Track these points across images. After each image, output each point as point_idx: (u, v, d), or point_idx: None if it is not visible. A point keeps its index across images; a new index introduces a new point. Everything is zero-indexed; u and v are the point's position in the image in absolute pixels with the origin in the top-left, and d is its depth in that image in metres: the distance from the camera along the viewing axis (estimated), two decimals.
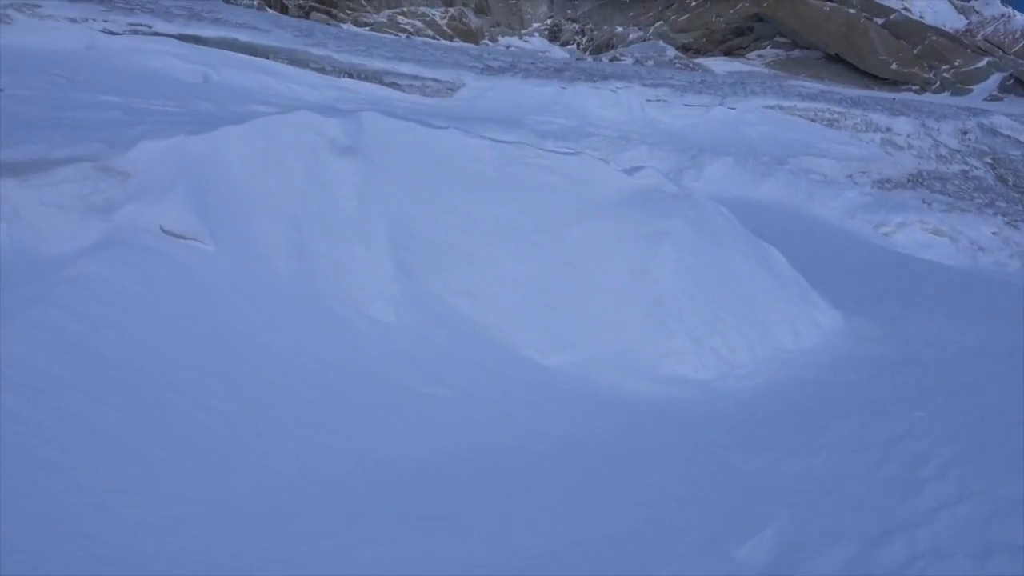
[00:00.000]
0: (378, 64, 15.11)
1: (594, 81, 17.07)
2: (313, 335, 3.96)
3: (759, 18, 46.81)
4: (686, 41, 49.14)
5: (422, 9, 48.04)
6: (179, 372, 3.32)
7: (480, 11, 53.08)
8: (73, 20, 12.48)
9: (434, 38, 41.53)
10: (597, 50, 49.66)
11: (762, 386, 4.45)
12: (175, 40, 13.24)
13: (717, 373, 4.56)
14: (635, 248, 5.12)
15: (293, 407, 3.25)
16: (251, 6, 30.27)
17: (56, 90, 9.47)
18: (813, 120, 16.95)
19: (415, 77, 15.08)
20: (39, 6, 12.29)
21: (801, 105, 17.24)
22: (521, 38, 51.54)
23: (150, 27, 13.18)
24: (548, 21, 57.25)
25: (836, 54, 40.21)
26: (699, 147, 14.23)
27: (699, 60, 41.59)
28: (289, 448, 2.97)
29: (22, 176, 3.99)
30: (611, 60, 38.03)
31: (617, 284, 4.98)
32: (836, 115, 17.10)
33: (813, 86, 22.22)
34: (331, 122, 4.82)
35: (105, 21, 12.82)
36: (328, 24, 31.66)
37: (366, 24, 43.76)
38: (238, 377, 3.43)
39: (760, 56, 44.45)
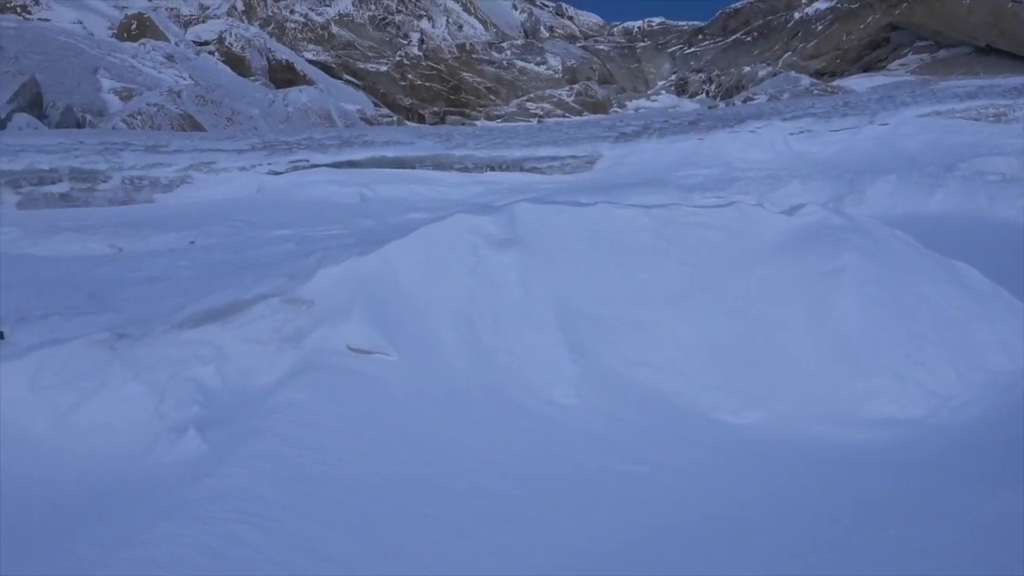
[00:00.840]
0: (516, 153, 15.60)
1: (731, 126, 16.82)
2: (500, 428, 4.02)
3: (893, 27, 44.74)
4: (819, 67, 47.67)
5: (548, 92, 49.50)
6: (382, 483, 3.46)
7: (604, 81, 54.01)
8: (243, 168, 13.78)
9: (564, 116, 42.51)
10: (727, 94, 49.05)
11: (983, 416, 4.06)
12: (331, 168, 14.30)
13: (928, 408, 4.21)
14: (810, 289, 4.89)
15: (494, 503, 3.29)
16: (392, 123, 32.33)
17: (237, 234, 10.41)
18: (976, 119, 15.83)
19: (553, 158, 15.43)
20: (214, 163, 13.67)
21: (960, 106, 16.17)
22: (649, 99, 51.81)
23: (308, 161, 14.32)
24: (673, 77, 57.36)
25: (987, 45, 37.63)
26: (855, 170, 13.57)
27: (837, 82, 40.09)
28: (501, 544, 2.99)
29: (223, 319, 4.39)
30: (744, 101, 37.39)
31: (798, 330, 4.76)
32: (1001, 108, 15.89)
33: (968, 83, 20.82)
34: (486, 219, 5.00)
35: (269, 164, 14.06)
36: (463, 124, 33.15)
37: (497, 117, 45.51)
38: (437, 479, 3.52)
39: (902, 65, 42.28)
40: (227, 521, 3.00)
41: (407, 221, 10.96)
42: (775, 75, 46.34)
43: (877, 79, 39.41)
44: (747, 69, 51.25)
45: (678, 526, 3.16)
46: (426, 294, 4.63)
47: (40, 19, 32.03)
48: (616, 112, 45.37)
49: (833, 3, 50.62)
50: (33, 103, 20.98)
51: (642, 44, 61.63)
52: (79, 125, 21.69)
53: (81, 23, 32.65)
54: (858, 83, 38.07)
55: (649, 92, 55.51)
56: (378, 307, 4.50)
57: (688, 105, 47.23)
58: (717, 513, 3.26)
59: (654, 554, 3.02)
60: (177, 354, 4.17)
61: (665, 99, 52.94)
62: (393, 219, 11.63)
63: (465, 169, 14.96)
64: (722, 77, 53.59)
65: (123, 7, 37.18)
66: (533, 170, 15.14)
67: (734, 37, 56.36)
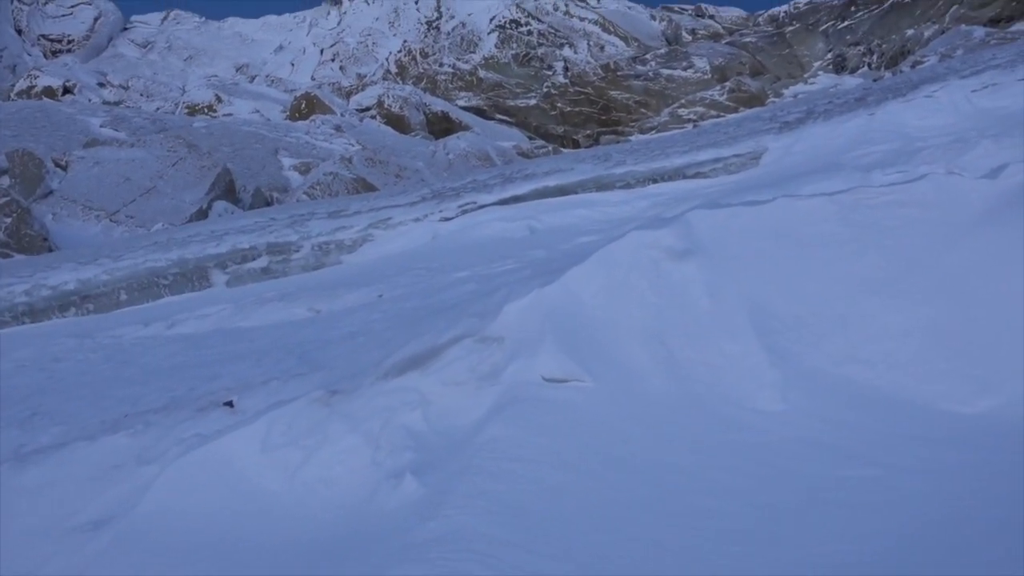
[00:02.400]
0: (676, 161, 15.32)
1: (903, 94, 15.67)
2: (709, 443, 3.89)
3: None
4: (993, 14, 43.60)
5: (699, 95, 48.45)
6: (600, 511, 3.43)
7: (756, 73, 52.17)
8: (417, 220, 14.42)
9: (720, 116, 41.43)
10: (892, 63, 45.88)
11: None
12: (497, 206, 14.66)
13: None
14: None
15: (719, 523, 3.18)
16: (548, 153, 32.82)
17: (420, 282, 10.86)
18: None
19: (716, 160, 15.02)
20: (390, 218, 14.41)
21: None
22: (807, 83, 49.44)
23: (475, 202, 14.77)
24: (829, 55, 54.46)
25: None
26: None
27: (1016, 27, 36.51)
28: (736, 567, 2.88)
29: (423, 366, 4.58)
30: (913, 67, 34.81)
31: (1022, 305, 4.31)
32: None
33: None
34: (661, 233, 4.92)
35: (440, 211, 14.63)
36: (619, 142, 33.06)
37: (651, 129, 45.04)
38: (655, 502, 3.46)
39: None
40: (455, 561, 3.09)
41: (578, 246, 11.01)
42: (943, 32, 42.87)
43: None
44: (910, 32, 47.77)
45: (926, 533, 2.91)
46: (612, 316, 4.61)
47: (224, 115, 35.34)
48: (774, 102, 43.62)
49: None
50: (228, 190, 23.08)
51: (791, 28, 59.04)
52: (268, 203, 23.60)
53: (259, 112, 35.70)
54: None
55: (806, 75, 52.99)
56: (567, 335, 4.52)
57: (850, 81, 44.62)
58: (968, 515, 2.97)
59: (906, 564, 2.79)
60: (385, 403, 4.38)
61: (824, 80, 50.31)
62: (564, 246, 11.71)
63: (628, 186, 14.86)
64: (883, 46, 50.25)
65: (292, 90, 40.31)
66: (697, 176, 14.80)
67: (891, 1, 52.79)
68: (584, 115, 50.66)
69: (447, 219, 14.60)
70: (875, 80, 33.92)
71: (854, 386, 4.22)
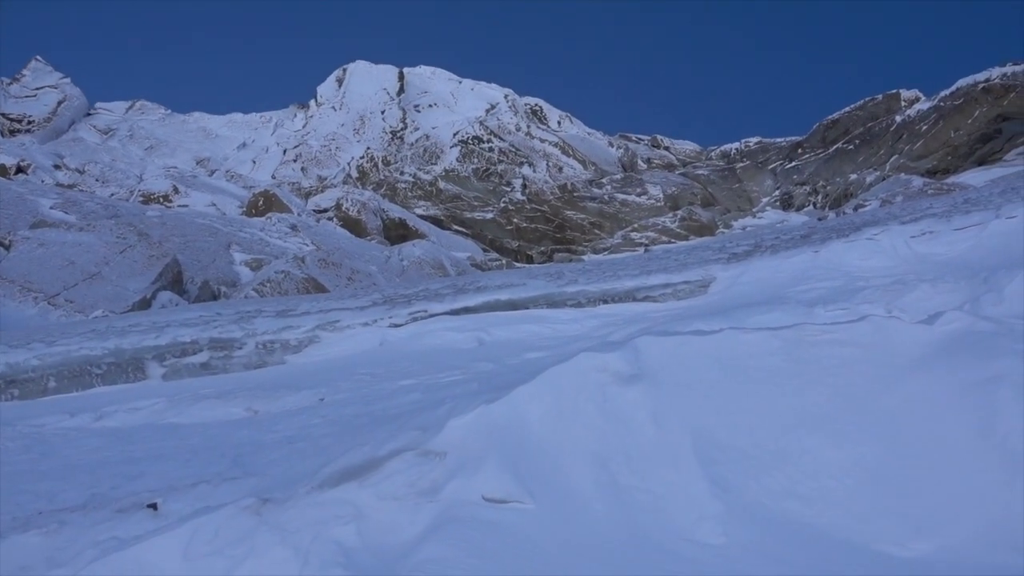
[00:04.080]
0: (628, 283, 15.64)
1: (846, 235, 16.40)
2: (647, 574, 3.81)
3: (1004, 118, 43.49)
4: (930, 166, 46.51)
5: (651, 220, 50.08)
6: None
7: (707, 204, 54.32)
8: (365, 324, 14.33)
9: (671, 242, 42.73)
10: (836, 204, 48.26)
11: None
12: (448, 316, 14.70)
13: None
14: (966, 402, 4.55)
15: None
16: (501, 266, 33.25)
17: (364, 387, 10.69)
18: None
19: (665, 285, 15.37)
20: (338, 321, 14.30)
21: None
22: (755, 216, 51.56)
23: (426, 311, 14.78)
24: (776, 192, 57.14)
25: None
26: (988, 268, 12.85)
27: (951, 180, 38.92)
28: None
29: (360, 477, 4.44)
30: (855, 209, 36.64)
31: (960, 447, 4.40)
32: None
33: None
34: (610, 356, 4.96)
35: (390, 317, 14.59)
36: (572, 260, 33.75)
37: (604, 250, 46.16)
38: None
39: (1021, 155, 40.76)
40: None
41: (526, 362, 11.03)
42: (884, 179, 45.40)
43: (995, 171, 37.99)
44: (853, 176, 50.49)
45: None
46: (557, 437, 4.57)
47: (180, 205, 35.25)
48: (723, 233, 45.23)
49: (935, 102, 49.85)
50: (175, 281, 22.77)
51: (741, 164, 62.00)
52: (215, 297, 23.30)
53: (215, 205, 35.71)
54: (974, 178, 36.77)
55: (754, 209, 55.27)
56: (510, 454, 4.45)
57: (796, 219, 46.62)
58: None
59: None
60: (319, 515, 4.21)
61: (771, 215, 52.50)
62: (512, 360, 11.72)
63: (579, 304, 15.06)
64: (828, 187, 52.91)
65: (251, 187, 40.55)
66: (646, 299, 15.09)
67: (836, 147, 56.00)
68: (539, 232, 51.77)
69: (397, 325, 14.55)
70: (820, 219, 35.53)
71: (794, 522, 4.21)
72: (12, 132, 45.31)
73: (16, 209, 25.81)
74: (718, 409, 4.71)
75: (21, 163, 36.03)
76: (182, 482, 5.67)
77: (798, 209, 53.26)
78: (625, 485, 4.42)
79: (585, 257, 41.65)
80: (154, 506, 4.83)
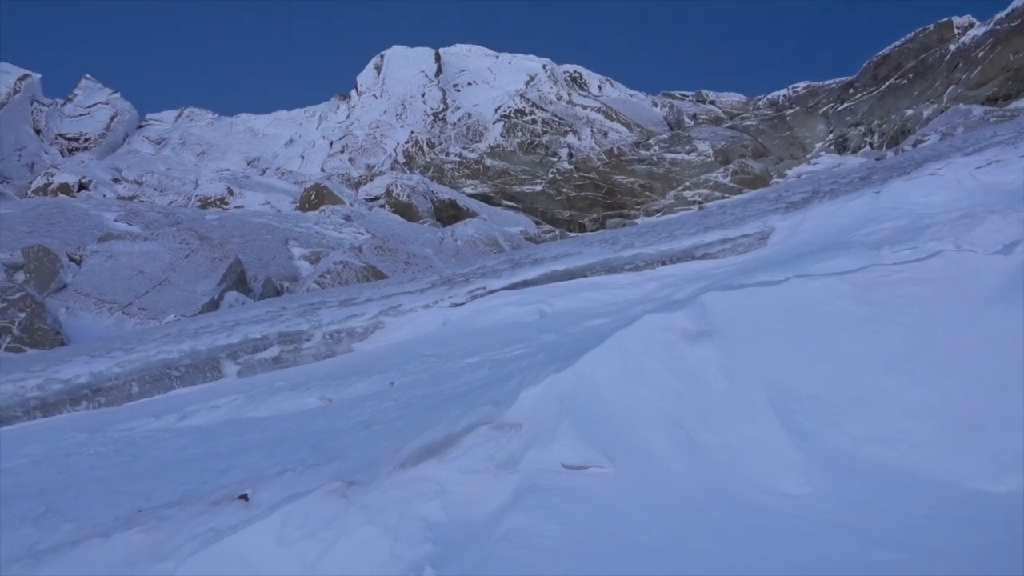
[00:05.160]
0: (684, 243, 15.46)
1: (907, 172, 15.89)
2: (734, 529, 3.81)
3: None
4: (990, 93, 44.62)
5: (703, 177, 49.25)
6: None
7: (758, 155, 53.15)
8: (427, 306, 14.49)
9: (724, 197, 42.00)
10: (893, 142, 46.74)
11: None
12: (507, 291, 14.75)
13: None
14: None
15: None
16: (555, 238, 33.18)
17: (431, 368, 10.83)
18: None
19: (724, 240, 15.15)
20: (399, 305, 14.49)
21: None
22: (809, 163, 50.28)
23: (484, 288, 14.86)
24: (830, 136, 55.56)
25: None
26: None
27: (1014, 105, 37.27)
28: None
29: (439, 454, 4.53)
30: (914, 145, 35.42)
31: None
32: None
33: None
34: (675, 315, 4.93)
35: (450, 297, 14.71)
36: (625, 225, 33.46)
37: (657, 211, 45.61)
38: None
39: None
40: None
41: (589, 329, 11.01)
42: (942, 111, 43.75)
43: None
44: (909, 112, 48.80)
45: None
46: (629, 400, 4.58)
47: (236, 207, 36.01)
48: (778, 183, 44.25)
49: (990, 26, 47.73)
50: (239, 281, 23.31)
51: (791, 111, 60.43)
52: (279, 293, 23.79)
53: (269, 203, 36.38)
54: None
55: (808, 156, 53.90)
56: (584, 420, 4.48)
57: (852, 161, 45.33)
58: None
59: None
60: (403, 494, 4.31)
61: (826, 160, 51.13)
62: (574, 329, 11.71)
63: (637, 268, 14.96)
64: (883, 126, 51.26)
65: (302, 182, 41.16)
66: (705, 256, 14.90)
67: (888, 83, 54.14)
68: (589, 199, 51.41)
69: (457, 305, 14.67)
70: (878, 159, 34.45)
71: (878, 466, 4.15)
72: (71, 151, 46.80)
73: (83, 225, 26.71)
74: (791, 359, 4.65)
75: (82, 180, 37.24)
76: (268, 472, 5.85)
77: (854, 151, 51.75)
78: (702, 442, 4.41)
79: (638, 220, 41.24)
80: (245, 497, 5.00)
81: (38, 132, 47.56)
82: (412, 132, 54.75)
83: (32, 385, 11.78)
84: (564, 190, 51.62)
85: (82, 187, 36.74)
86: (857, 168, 24.16)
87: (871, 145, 51.30)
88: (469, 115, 56.26)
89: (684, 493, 4.16)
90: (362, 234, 30.02)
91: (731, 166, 50.00)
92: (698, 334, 4.83)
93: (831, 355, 4.65)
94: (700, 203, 43.48)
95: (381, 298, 15.00)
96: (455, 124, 56.27)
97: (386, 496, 4.30)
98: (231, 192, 38.28)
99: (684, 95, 68.09)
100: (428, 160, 54.14)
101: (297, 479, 5.24)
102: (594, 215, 49.62)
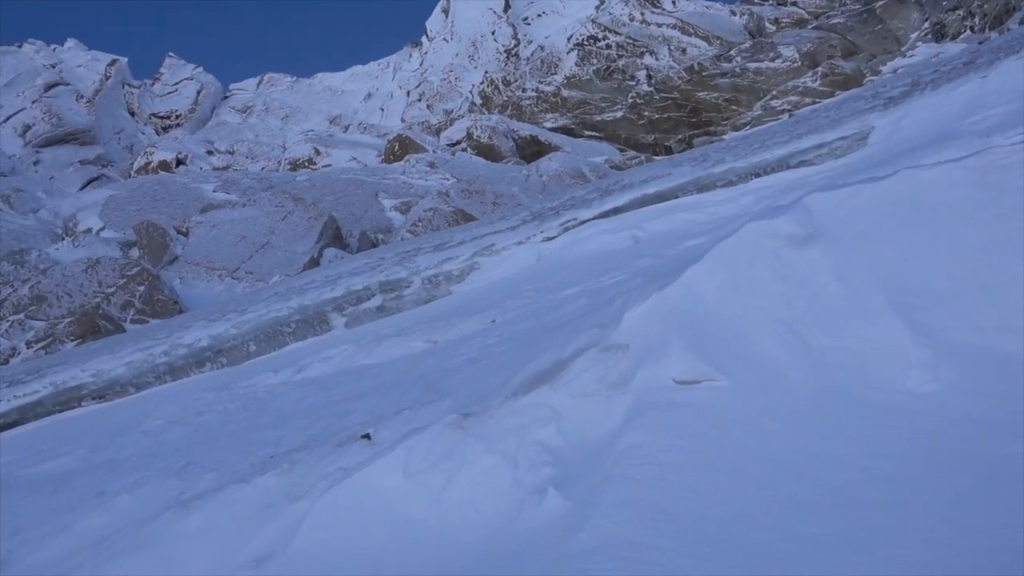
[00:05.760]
0: (778, 152, 14.90)
1: (1016, 51, 14.74)
2: (861, 431, 3.71)
3: None
4: None
5: (790, 84, 47.10)
6: (749, 510, 3.32)
7: (849, 54, 50.35)
8: (519, 243, 14.54)
9: (815, 103, 40.12)
10: (997, 22, 43.37)
11: None
12: (598, 220, 14.62)
13: None
14: None
15: (886, 513, 3.01)
16: (641, 163, 32.54)
17: (531, 302, 10.90)
18: None
19: (820, 145, 14.52)
20: (492, 244, 14.58)
21: None
22: (905, 56, 47.32)
23: (575, 219, 14.77)
24: (926, 25, 52.00)
25: None
26: None
27: None
28: (909, 555, 2.73)
29: (550, 381, 4.57)
30: (1022, 23, 32.76)
31: None
32: None
33: None
34: (779, 221, 4.77)
35: (542, 232, 14.70)
36: (713, 142, 32.46)
37: (745, 125, 44.01)
38: (811, 498, 3.31)
39: None
40: (609, 571, 3.04)
41: (685, 250, 10.82)
42: None
43: None
44: None
45: None
46: (738, 310, 4.48)
47: (324, 166, 36.75)
48: (872, 80, 41.89)
49: None
50: (335, 237, 23.92)
51: (880, 2, 56.73)
52: (374, 245, 24.31)
53: (355, 159, 36.95)
54: None
55: (903, 49, 50.68)
56: (693, 335, 4.42)
57: (953, 48, 42.38)
58: None
59: None
60: (517, 421, 4.39)
61: (924, 50, 47.96)
62: (671, 251, 11.53)
63: (729, 184, 14.54)
64: (984, 6, 47.56)
65: (384, 134, 41.57)
66: (801, 164, 14.33)
67: None
68: (673, 120, 50.01)
69: (549, 239, 14.65)
70: (981, 43, 32.07)
71: (1010, 357, 3.94)
72: (165, 129, 48.60)
73: (185, 198, 27.84)
74: (906, 254, 4.44)
75: (179, 156, 38.71)
76: (386, 413, 6.06)
77: (953, 38, 48.28)
78: (818, 347, 4.29)
79: (726, 136, 39.91)
80: (367, 437, 5.20)
81: (132, 114, 49.52)
82: (486, 72, 54.24)
83: (159, 352, 12.50)
84: (646, 113, 50.35)
85: (179, 162, 38.20)
86: (959, 54, 22.56)
87: (972, 29, 47.75)
88: (542, 48, 55.23)
89: (804, 399, 4.08)
90: (448, 179, 30.20)
91: (820, 69, 47.53)
92: (805, 238, 4.66)
93: (950, 246, 4.41)
94: (790, 111, 41.66)
95: (474, 239, 15.12)
96: (528, 59, 55.39)
97: (502, 425, 4.38)
98: (317, 152, 39.04)
99: (763, 0, 64.79)
100: (505, 99, 53.64)
101: (414, 416, 5.40)
102: (679, 136, 48.31)
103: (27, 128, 41.64)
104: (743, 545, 3.10)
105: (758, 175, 14.49)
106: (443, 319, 11.45)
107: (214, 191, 28.55)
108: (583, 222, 14.84)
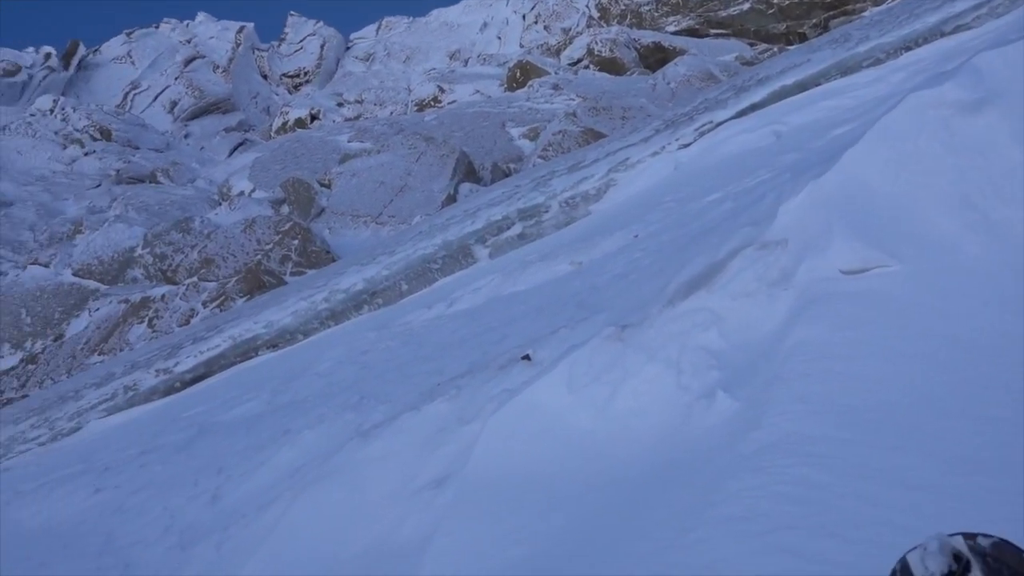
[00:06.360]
0: (929, 20, 13.63)
1: None
2: None
3: None
4: None
5: None
6: (934, 395, 3.15)
7: None
8: (654, 153, 14.15)
9: None
10: None
11: None
12: (735, 120, 13.97)
13: None
14: None
15: None
16: (774, 55, 30.68)
17: (673, 213, 10.64)
18: None
19: (977, 6, 13.15)
20: (627, 159, 14.28)
21: None
22: None
23: (711, 121, 14.19)
24: None
25: None
26: None
27: None
28: None
29: (707, 284, 4.46)
30: None
31: None
32: None
33: None
34: (946, 88, 4.36)
35: (676, 140, 14.23)
36: (852, 20, 30.13)
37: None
38: (1003, 386, 3.09)
39: None
40: (792, 467, 2.98)
41: (835, 139, 10.19)
42: None
43: None
44: None
45: None
46: (906, 189, 4.17)
47: (449, 103, 37.01)
48: None
49: None
50: (468, 172, 24.20)
51: None
52: (507, 175, 24.41)
53: (479, 91, 36.95)
54: None
55: None
56: (857, 221, 4.17)
57: None
58: None
59: None
60: (677, 328, 4.32)
61: None
62: (817, 143, 10.87)
63: (877, 62, 13.47)
64: None
65: (504, 63, 41.19)
66: (958, 29, 13.04)
67: None
68: (806, 4, 46.65)
69: (685, 146, 14.17)
70: None
71: None
72: (296, 87, 50.31)
73: (323, 151, 28.88)
74: None
75: (312, 111, 40.06)
76: (541, 334, 6.14)
77: None
78: (999, 220, 3.94)
79: (866, 13, 36.87)
80: (527, 357, 5.29)
81: (265, 77, 51.50)
82: None
83: (320, 299, 13.20)
84: (775, 1, 47.22)
85: (313, 118, 39.52)
86: None
87: None
88: None
89: (986, 277, 3.78)
90: (573, 100, 29.71)
91: None
92: (976, 102, 4.24)
93: None
94: None
95: (607, 156, 14.86)
96: None
97: (661, 333, 4.33)
98: (441, 90, 39.31)
99: None
100: (623, 8, 51.73)
101: (571, 334, 5.44)
102: (813, 20, 45.09)
103: (174, 104, 44.23)
104: (931, 432, 2.95)
105: (908, 48, 13.33)
106: (585, 239, 11.40)
107: (349, 141, 29.42)
108: (719, 124, 14.22)
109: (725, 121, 14.16)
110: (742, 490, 2.97)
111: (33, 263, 22.52)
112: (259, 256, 19.16)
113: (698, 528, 2.96)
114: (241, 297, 17.86)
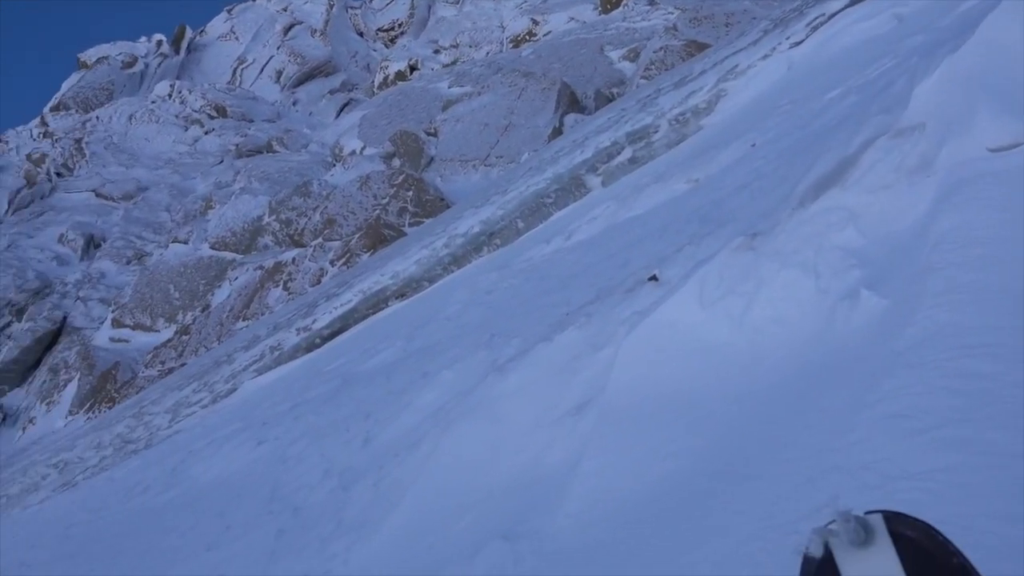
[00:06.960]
0: None
1: None
2: None
3: None
4: None
5: None
6: None
7: None
8: (765, 56, 13.44)
9: None
10: None
11: None
12: (850, 8, 13.07)
13: None
14: None
15: None
16: None
17: (791, 117, 10.15)
18: None
19: None
20: (736, 66, 13.65)
21: None
22: None
23: (823, 14, 13.33)
24: None
25: None
26: None
27: None
28: None
29: (839, 181, 4.23)
30: None
31: None
32: None
33: None
34: None
35: (787, 38, 13.46)
36: None
37: None
38: None
39: None
40: (951, 360, 2.81)
41: (965, 14, 9.38)
42: None
43: None
44: None
45: None
46: None
47: (544, 35, 36.35)
48: None
49: None
50: (572, 102, 23.81)
51: None
52: (611, 100, 23.87)
53: (573, 19, 36.09)
54: None
55: None
56: (1004, 93, 3.82)
57: None
58: None
59: None
60: (810, 230, 4.14)
61: None
62: (944, 21, 10.02)
63: None
64: None
65: None
66: None
67: None
68: None
69: (797, 43, 13.40)
70: None
71: None
72: (392, 40, 50.65)
73: (425, 101, 29.09)
74: None
75: (411, 63, 40.28)
76: (665, 253, 6.03)
77: None
78: None
79: None
80: (655, 278, 5.22)
81: (361, 34, 52.09)
82: None
83: (440, 245, 13.45)
84: None
85: (412, 69, 39.77)
86: None
87: None
88: None
89: None
90: (671, 13, 28.55)
91: None
92: None
93: None
94: None
95: (714, 66, 14.27)
96: None
97: (794, 237, 4.16)
98: (535, 22, 38.63)
99: None
100: None
101: (696, 250, 5.32)
102: None
103: (279, 73, 45.50)
104: None
105: None
106: (699, 155, 11.07)
107: (449, 88, 29.47)
108: (832, 15, 13.34)
109: (839, 12, 13.27)
110: (900, 387, 2.84)
111: (174, 241, 24.01)
112: (377, 211, 19.65)
113: (856, 429, 2.86)
114: (365, 252, 18.45)
